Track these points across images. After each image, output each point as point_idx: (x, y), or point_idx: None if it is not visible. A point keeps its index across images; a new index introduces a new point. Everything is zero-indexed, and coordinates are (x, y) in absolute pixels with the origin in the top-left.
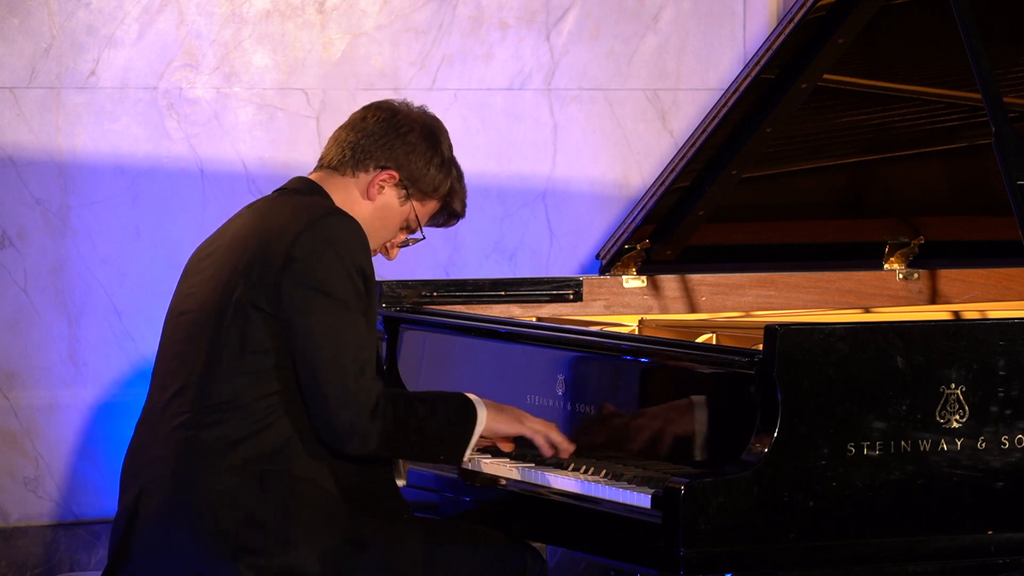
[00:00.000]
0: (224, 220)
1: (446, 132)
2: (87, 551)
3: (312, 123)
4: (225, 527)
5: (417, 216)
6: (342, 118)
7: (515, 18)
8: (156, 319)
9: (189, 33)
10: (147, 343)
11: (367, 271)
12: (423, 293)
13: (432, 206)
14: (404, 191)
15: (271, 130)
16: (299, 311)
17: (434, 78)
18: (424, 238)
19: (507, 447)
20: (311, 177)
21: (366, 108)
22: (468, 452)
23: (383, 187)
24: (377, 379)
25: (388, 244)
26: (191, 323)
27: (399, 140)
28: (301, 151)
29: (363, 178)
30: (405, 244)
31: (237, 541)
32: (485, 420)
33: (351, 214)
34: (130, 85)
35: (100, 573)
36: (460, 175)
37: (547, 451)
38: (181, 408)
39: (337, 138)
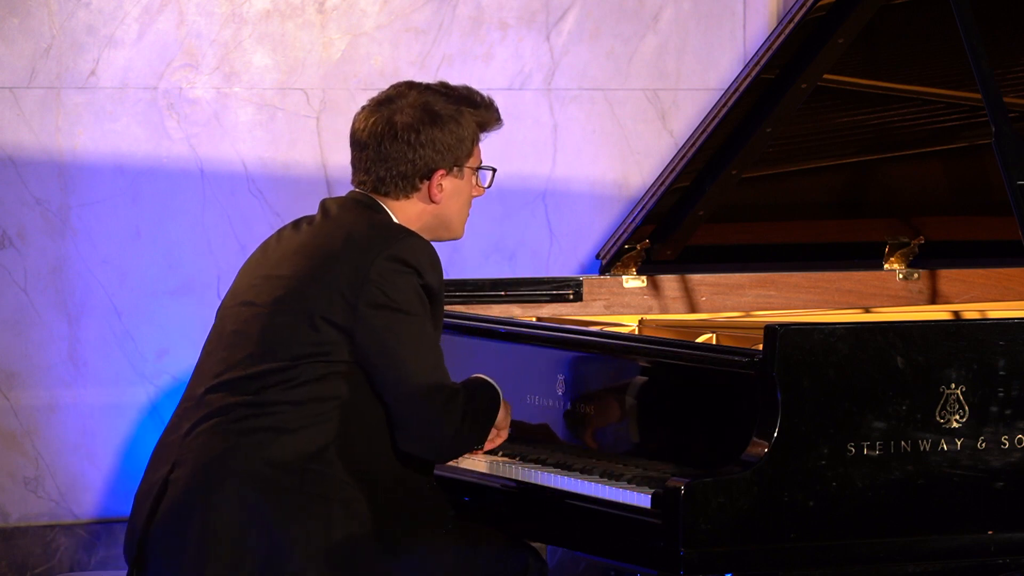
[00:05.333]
0: (224, 220)
1: (432, 88)
2: (87, 551)
3: (312, 123)
4: (248, 514)
5: (478, 166)
6: (342, 118)
7: (515, 18)
8: (156, 319)
9: (189, 33)
10: (147, 343)
11: (434, 289)
12: None
13: (479, 149)
14: (456, 168)
15: (271, 130)
16: (383, 328)
17: (434, 78)
18: (496, 169)
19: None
20: (376, 199)
21: (372, 130)
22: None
23: (441, 185)
24: (453, 383)
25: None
26: (255, 316)
27: (420, 148)
28: (301, 151)
29: (419, 196)
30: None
31: (258, 528)
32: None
33: (428, 220)
34: (130, 85)
35: (100, 571)
36: (472, 103)
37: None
38: (228, 396)
39: (367, 170)
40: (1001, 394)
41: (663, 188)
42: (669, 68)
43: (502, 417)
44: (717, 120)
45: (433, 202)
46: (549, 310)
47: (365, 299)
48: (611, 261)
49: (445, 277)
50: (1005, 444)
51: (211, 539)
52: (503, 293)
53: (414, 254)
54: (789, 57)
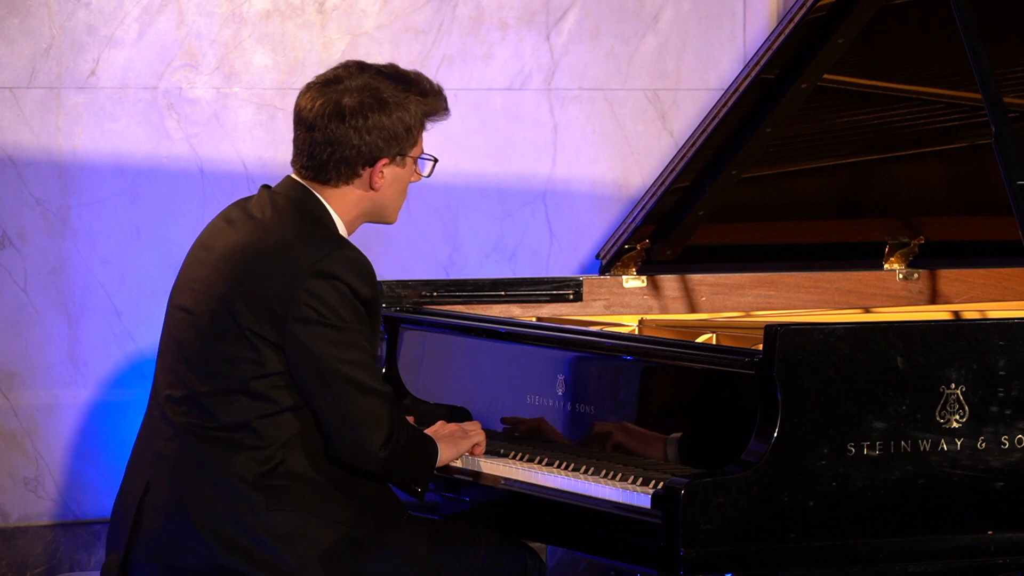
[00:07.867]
0: None
1: (382, 72)
2: (87, 551)
3: None
4: (228, 532)
5: (420, 156)
6: None
7: (515, 18)
8: (156, 319)
9: (189, 33)
10: (147, 343)
11: (371, 300)
12: (423, 293)
13: (422, 138)
14: (399, 157)
15: (271, 130)
16: (315, 342)
17: (434, 78)
18: (437, 160)
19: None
20: (313, 191)
21: (319, 112)
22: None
23: (383, 173)
24: (389, 390)
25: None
26: (193, 326)
27: (366, 135)
28: None
29: (359, 182)
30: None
31: (240, 546)
32: (440, 452)
33: (365, 207)
34: (130, 85)
35: (101, 571)
36: (421, 90)
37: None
38: (185, 412)
39: (311, 154)
40: (1001, 394)
41: (663, 188)
42: (669, 68)
43: (444, 457)
44: (717, 120)
45: (373, 189)
46: (549, 310)
47: (294, 316)
48: (611, 261)
49: (447, 277)
50: (1005, 444)
51: (197, 558)
52: (503, 293)
53: (342, 267)
54: (789, 57)
